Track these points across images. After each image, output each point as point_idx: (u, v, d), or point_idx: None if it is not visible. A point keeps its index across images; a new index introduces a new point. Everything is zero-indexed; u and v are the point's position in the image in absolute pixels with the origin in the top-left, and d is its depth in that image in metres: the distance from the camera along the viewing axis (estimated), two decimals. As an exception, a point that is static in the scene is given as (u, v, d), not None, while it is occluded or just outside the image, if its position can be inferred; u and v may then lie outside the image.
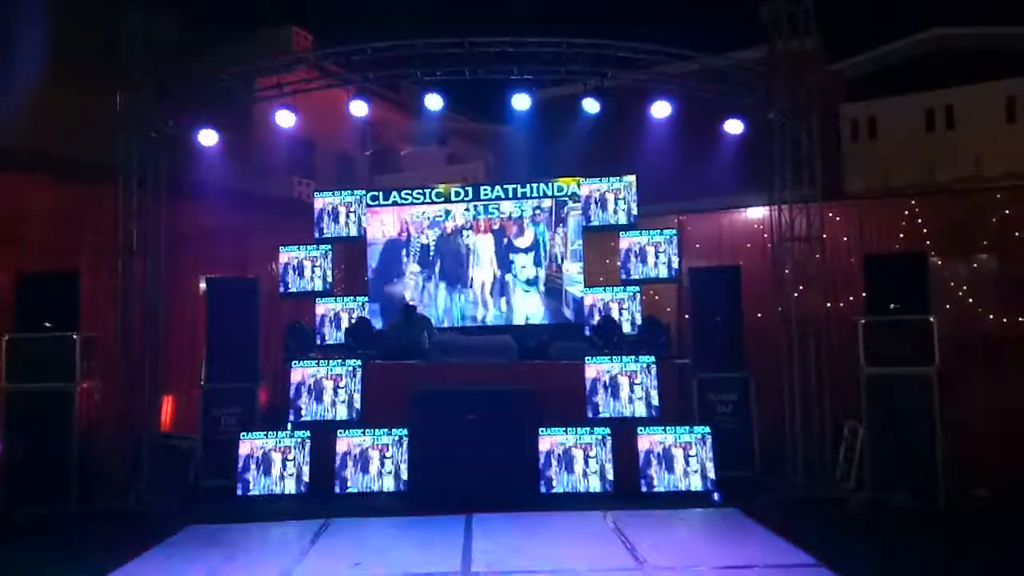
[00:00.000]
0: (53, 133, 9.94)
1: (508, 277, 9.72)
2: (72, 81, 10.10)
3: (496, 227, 9.82)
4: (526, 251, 9.74)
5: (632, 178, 9.51)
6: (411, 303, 9.22)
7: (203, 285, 9.39)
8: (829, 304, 8.13)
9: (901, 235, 8.89)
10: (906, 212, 8.96)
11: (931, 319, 7.11)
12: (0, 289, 7.40)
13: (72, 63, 10.08)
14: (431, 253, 9.92)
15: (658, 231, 9.38)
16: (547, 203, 9.72)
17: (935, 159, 11.50)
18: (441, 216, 9.93)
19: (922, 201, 9.05)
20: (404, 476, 7.41)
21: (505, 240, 9.78)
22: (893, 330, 7.18)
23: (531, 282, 9.70)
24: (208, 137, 8.64)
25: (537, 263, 9.69)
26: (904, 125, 12.87)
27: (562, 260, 9.65)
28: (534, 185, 9.87)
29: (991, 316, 8.41)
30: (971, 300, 8.50)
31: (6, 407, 7.11)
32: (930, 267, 7.50)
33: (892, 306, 7.23)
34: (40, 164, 8.57)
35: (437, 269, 9.89)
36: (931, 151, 11.81)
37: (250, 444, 7.57)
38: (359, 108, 9.01)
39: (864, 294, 7.56)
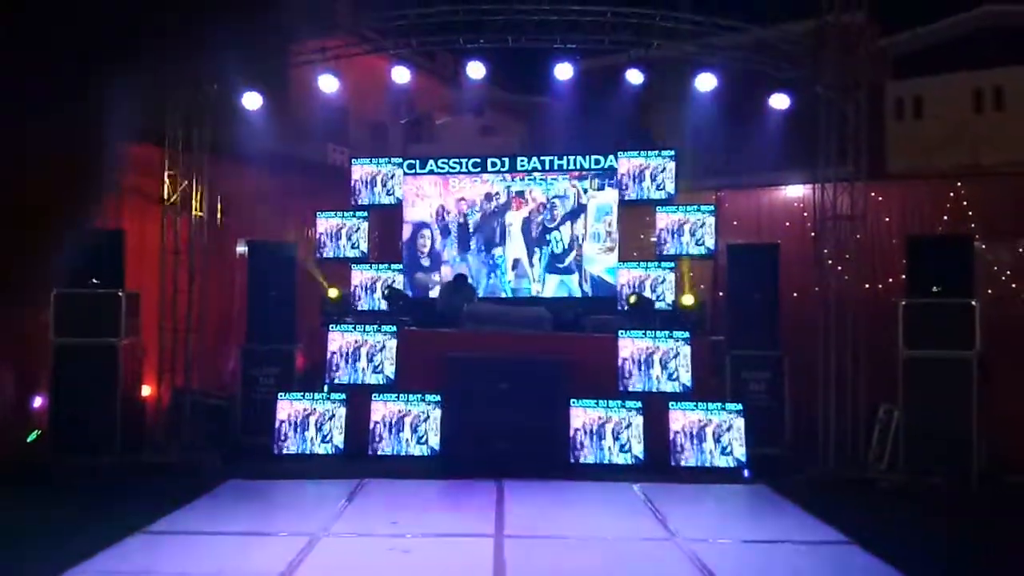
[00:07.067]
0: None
1: (538, 255, 9.75)
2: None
3: (528, 204, 9.82)
4: (555, 229, 9.74)
5: (671, 153, 9.42)
6: (463, 273, 9.33)
7: (240, 248, 9.51)
8: (868, 285, 8.04)
9: (945, 217, 8.75)
10: (951, 194, 8.81)
11: (973, 303, 7.02)
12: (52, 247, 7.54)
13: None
14: (469, 231, 9.96)
15: (695, 207, 9.27)
16: (572, 185, 9.71)
17: (982, 141, 11.24)
18: (480, 199, 9.92)
19: (968, 183, 8.88)
20: (437, 441, 7.52)
21: (538, 217, 9.79)
22: (934, 313, 7.10)
23: (559, 258, 9.73)
24: (252, 100, 8.66)
25: (565, 241, 9.71)
26: (951, 105, 12.57)
27: (583, 240, 9.66)
28: (571, 157, 9.81)
29: (1035, 302, 8.27)
30: (1014, 285, 8.36)
31: (54, 360, 7.32)
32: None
33: (934, 289, 7.14)
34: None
35: (473, 246, 9.94)
36: (978, 132, 11.54)
37: (287, 405, 7.72)
38: (401, 75, 9.00)
39: (904, 276, 7.48)
